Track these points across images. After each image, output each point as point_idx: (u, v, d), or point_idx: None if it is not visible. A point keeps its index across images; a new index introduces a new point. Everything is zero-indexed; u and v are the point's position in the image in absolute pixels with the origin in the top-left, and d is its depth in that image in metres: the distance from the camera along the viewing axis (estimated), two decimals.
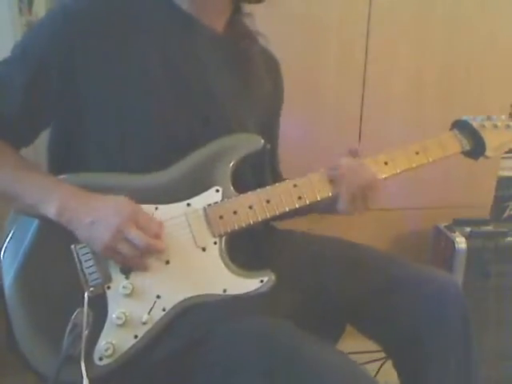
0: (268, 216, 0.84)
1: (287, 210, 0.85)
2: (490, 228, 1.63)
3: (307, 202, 0.87)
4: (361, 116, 1.66)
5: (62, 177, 0.82)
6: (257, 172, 0.96)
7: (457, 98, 1.68)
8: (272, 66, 1.05)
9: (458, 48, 1.64)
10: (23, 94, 0.80)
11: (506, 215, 1.68)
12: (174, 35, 0.87)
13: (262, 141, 0.88)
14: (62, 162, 0.88)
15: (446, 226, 1.66)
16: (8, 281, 0.80)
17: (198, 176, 0.84)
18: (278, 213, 0.85)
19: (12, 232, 0.82)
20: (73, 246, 0.79)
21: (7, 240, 0.82)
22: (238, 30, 0.95)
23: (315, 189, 0.87)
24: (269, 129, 1.04)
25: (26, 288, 0.79)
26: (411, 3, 1.59)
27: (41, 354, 0.78)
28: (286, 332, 0.77)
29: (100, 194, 0.79)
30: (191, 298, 0.80)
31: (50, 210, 0.76)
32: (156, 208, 0.81)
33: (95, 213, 0.76)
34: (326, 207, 0.91)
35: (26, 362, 0.78)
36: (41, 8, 1.50)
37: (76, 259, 0.79)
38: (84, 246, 0.79)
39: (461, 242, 1.56)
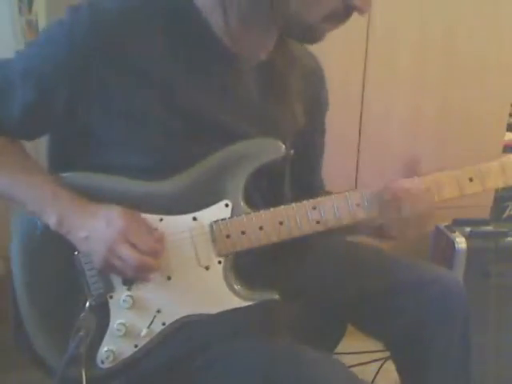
0: (279, 239, 0.78)
1: (303, 234, 0.79)
2: (489, 228, 1.62)
3: (327, 227, 0.79)
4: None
5: (64, 175, 0.81)
6: (275, 183, 0.89)
7: (456, 98, 1.69)
8: (315, 81, 0.97)
9: (458, 47, 1.65)
10: (22, 110, 0.78)
11: (505, 215, 1.68)
12: (193, 65, 0.78)
13: (284, 147, 0.80)
14: (62, 161, 0.86)
15: (445, 226, 1.65)
16: (17, 280, 0.82)
17: (208, 186, 0.79)
18: (291, 236, 0.78)
19: (18, 230, 0.83)
20: (76, 253, 0.79)
21: (14, 238, 0.83)
22: (281, 53, 0.87)
23: (337, 212, 0.78)
24: (305, 146, 0.96)
25: (35, 286, 0.81)
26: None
27: (51, 350, 0.81)
28: (285, 349, 0.77)
29: (96, 204, 0.76)
30: (191, 315, 0.79)
31: (50, 221, 0.76)
32: (161, 219, 0.78)
33: (89, 227, 0.74)
34: (367, 231, 0.85)
35: (37, 358, 0.81)
36: (41, 8, 1.50)
37: (79, 267, 0.79)
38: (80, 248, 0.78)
39: (461, 242, 1.56)
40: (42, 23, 1.48)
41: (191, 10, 0.77)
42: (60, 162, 0.86)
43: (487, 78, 1.68)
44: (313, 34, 0.78)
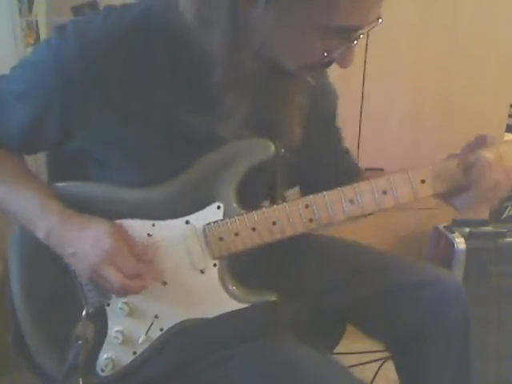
0: (273, 239, 0.78)
1: (296, 233, 0.78)
2: (489, 228, 1.62)
3: (321, 225, 0.77)
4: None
5: (60, 184, 0.81)
6: (267, 183, 0.87)
7: (455, 99, 1.69)
8: (323, 101, 0.95)
9: (458, 48, 1.65)
10: (19, 130, 0.78)
11: (505, 216, 1.68)
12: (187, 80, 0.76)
13: (273, 147, 0.78)
14: (61, 174, 0.85)
15: (445, 227, 1.66)
16: (15, 288, 0.82)
17: (200, 189, 0.78)
18: (284, 236, 0.77)
19: (17, 237, 0.84)
20: None
21: (13, 246, 0.83)
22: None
23: (331, 210, 0.77)
24: (315, 147, 0.93)
25: (32, 294, 0.82)
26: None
27: (50, 357, 0.81)
28: (285, 350, 0.78)
29: (84, 218, 0.76)
30: (188, 320, 0.79)
31: (39, 235, 0.76)
32: (153, 224, 0.78)
33: (75, 244, 0.74)
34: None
35: (35, 365, 0.82)
36: (41, 9, 1.50)
37: (74, 275, 0.80)
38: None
39: (460, 243, 1.56)
40: (42, 24, 1.48)
41: (181, 27, 0.72)
42: (59, 175, 0.86)
43: (487, 79, 1.69)
44: (290, 76, 0.75)
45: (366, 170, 1.03)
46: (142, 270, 0.74)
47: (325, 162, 0.99)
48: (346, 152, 1.05)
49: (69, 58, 0.71)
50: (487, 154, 0.75)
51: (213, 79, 0.70)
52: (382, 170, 1.00)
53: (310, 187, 0.84)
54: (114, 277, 0.72)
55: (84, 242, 0.74)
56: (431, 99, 1.69)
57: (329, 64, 0.72)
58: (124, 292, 0.75)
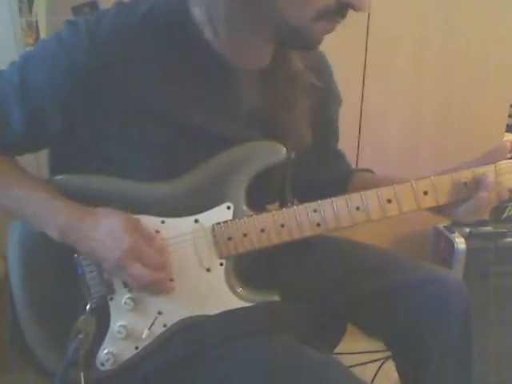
0: (281, 241, 0.79)
1: (304, 236, 0.79)
2: (489, 228, 1.62)
3: (328, 229, 0.79)
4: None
5: (60, 177, 0.80)
6: (277, 186, 0.89)
7: (455, 99, 1.69)
8: (323, 100, 0.94)
9: (457, 48, 1.65)
10: (21, 125, 0.77)
11: (505, 216, 1.68)
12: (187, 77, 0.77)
13: (285, 150, 0.80)
14: (63, 164, 0.84)
15: (445, 227, 1.66)
16: (15, 282, 0.82)
17: (210, 189, 0.79)
18: (292, 238, 0.79)
19: (16, 230, 0.83)
20: (76, 256, 0.79)
21: (12, 239, 0.83)
22: (283, 68, 0.84)
23: (337, 215, 0.79)
24: (314, 147, 0.92)
25: (33, 288, 0.81)
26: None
27: (50, 353, 0.81)
28: (286, 350, 0.77)
29: (93, 212, 0.75)
30: (192, 317, 0.80)
31: (52, 235, 0.75)
32: (162, 221, 0.78)
33: (94, 244, 0.74)
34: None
35: (35, 361, 0.81)
36: (41, 9, 1.50)
37: (79, 269, 0.79)
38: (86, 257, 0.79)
39: (460, 243, 1.56)
40: (42, 24, 1.48)
41: (188, 24, 0.75)
42: (61, 171, 0.84)
43: (487, 79, 1.69)
44: (305, 37, 0.73)
45: (354, 170, 1.06)
46: (164, 260, 0.76)
47: (319, 164, 1.01)
48: (342, 155, 1.08)
49: (80, 56, 0.71)
50: (492, 169, 0.78)
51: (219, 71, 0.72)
52: (371, 171, 1.04)
53: (299, 190, 0.86)
54: (142, 273, 0.73)
55: (102, 243, 0.73)
56: (431, 99, 1.69)
57: (342, 9, 0.69)
58: (153, 285, 0.75)
